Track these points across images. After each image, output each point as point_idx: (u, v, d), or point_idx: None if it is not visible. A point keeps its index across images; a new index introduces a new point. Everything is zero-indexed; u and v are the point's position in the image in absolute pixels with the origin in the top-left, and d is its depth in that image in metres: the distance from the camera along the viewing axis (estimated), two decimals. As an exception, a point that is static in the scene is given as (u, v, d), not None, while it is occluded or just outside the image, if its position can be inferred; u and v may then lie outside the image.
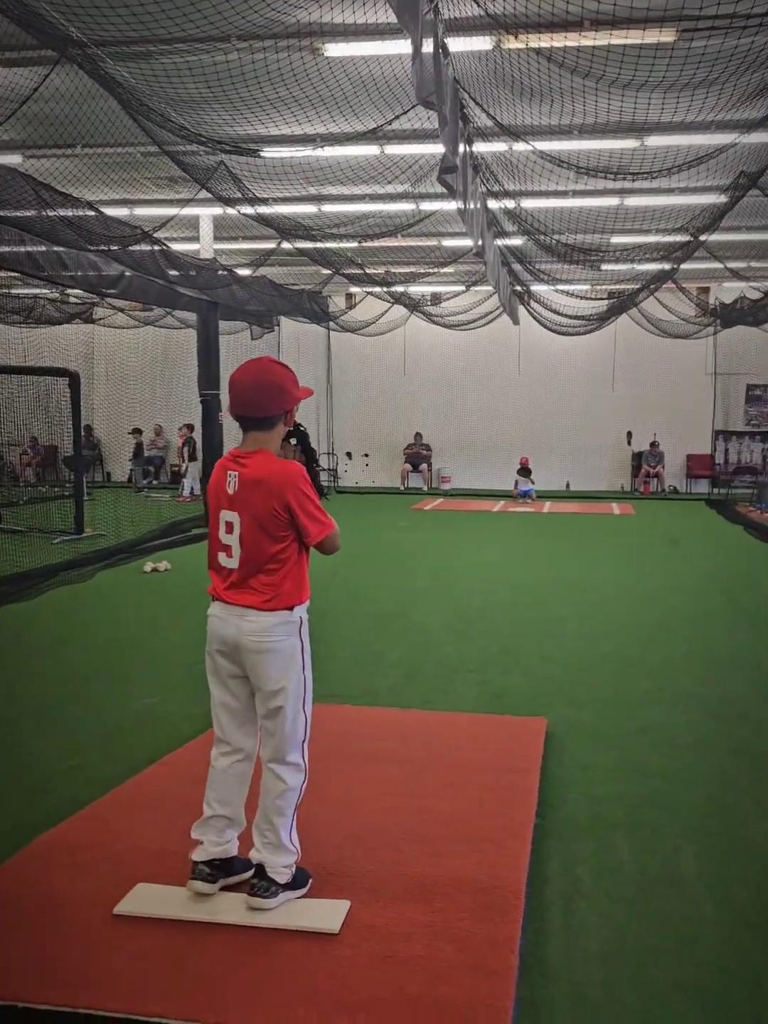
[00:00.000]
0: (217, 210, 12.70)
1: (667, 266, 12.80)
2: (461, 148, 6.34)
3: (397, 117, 6.65)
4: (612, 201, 11.99)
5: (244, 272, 14.10)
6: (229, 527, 2.92)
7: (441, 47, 4.63)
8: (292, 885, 3.00)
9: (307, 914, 2.91)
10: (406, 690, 5.65)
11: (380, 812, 3.65)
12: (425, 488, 20.14)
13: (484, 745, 4.47)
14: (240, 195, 8.50)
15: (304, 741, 3.03)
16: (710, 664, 6.28)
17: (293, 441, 3.06)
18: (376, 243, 12.55)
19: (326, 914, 2.89)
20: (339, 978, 2.60)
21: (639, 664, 6.26)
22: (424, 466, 20.48)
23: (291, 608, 2.95)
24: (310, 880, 3.08)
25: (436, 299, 18.19)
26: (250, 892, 2.96)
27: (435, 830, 3.48)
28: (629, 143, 9.56)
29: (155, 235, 10.03)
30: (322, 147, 7.59)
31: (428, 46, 4.35)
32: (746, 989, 2.71)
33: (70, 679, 5.87)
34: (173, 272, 11.58)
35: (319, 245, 11.56)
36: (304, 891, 3.03)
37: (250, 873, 3.02)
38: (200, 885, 2.98)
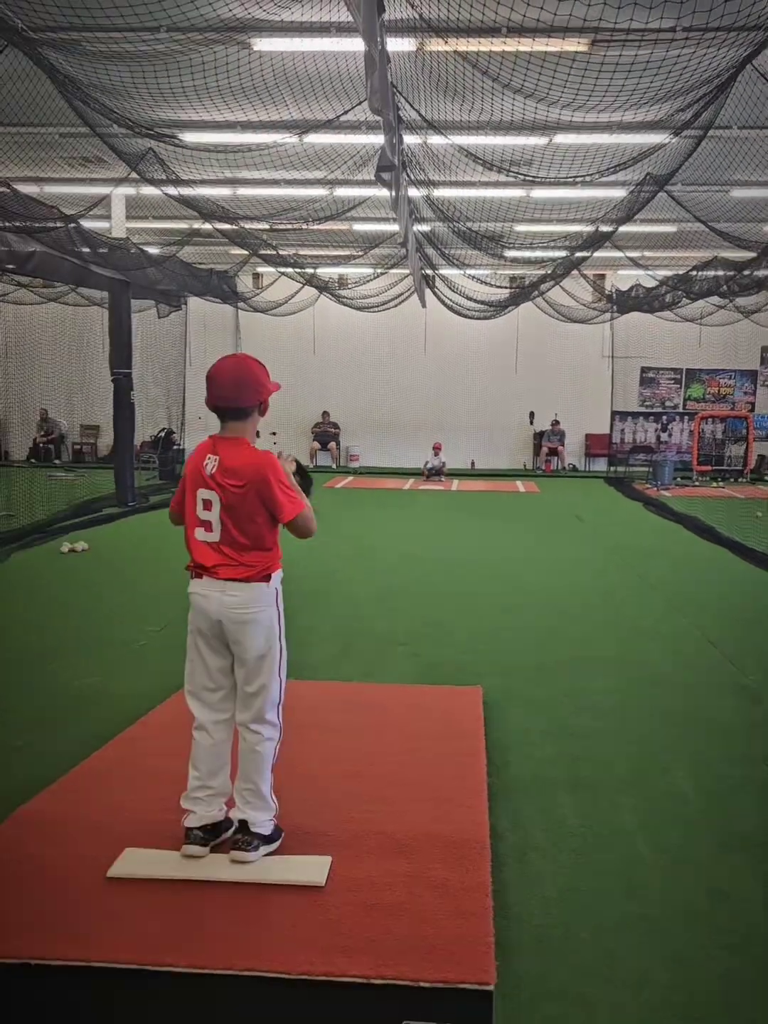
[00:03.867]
0: (130, 190, 12.58)
1: (573, 255, 13.33)
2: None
3: (343, 114, 6.85)
4: (518, 192, 12.44)
5: (154, 251, 13.99)
6: (208, 505, 3.08)
7: (383, 52, 4.86)
8: (270, 838, 3.25)
9: (293, 869, 3.16)
10: (344, 664, 5.93)
11: (344, 778, 3.93)
12: (334, 466, 20.38)
13: (429, 714, 4.81)
14: (165, 177, 8.53)
15: (279, 703, 3.24)
16: (623, 633, 6.79)
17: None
18: (289, 226, 12.68)
19: (311, 869, 3.15)
20: (331, 925, 2.86)
21: (557, 634, 6.72)
22: (332, 444, 20.69)
23: (267, 579, 3.14)
24: (282, 834, 3.32)
25: (343, 282, 18.41)
26: (233, 847, 3.20)
27: (398, 792, 3.78)
28: (537, 140, 9.97)
29: (68, 214, 9.92)
30: (250, 136, 7.69)
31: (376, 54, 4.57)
32: (684, 918, 3.11)
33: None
34: (86, 250, 11.45)
35: (239, 227, 11.63)
36: (278, 844, 3.27)
37: (233, 830, 3.27)
38: (195, 849, 3.20)
